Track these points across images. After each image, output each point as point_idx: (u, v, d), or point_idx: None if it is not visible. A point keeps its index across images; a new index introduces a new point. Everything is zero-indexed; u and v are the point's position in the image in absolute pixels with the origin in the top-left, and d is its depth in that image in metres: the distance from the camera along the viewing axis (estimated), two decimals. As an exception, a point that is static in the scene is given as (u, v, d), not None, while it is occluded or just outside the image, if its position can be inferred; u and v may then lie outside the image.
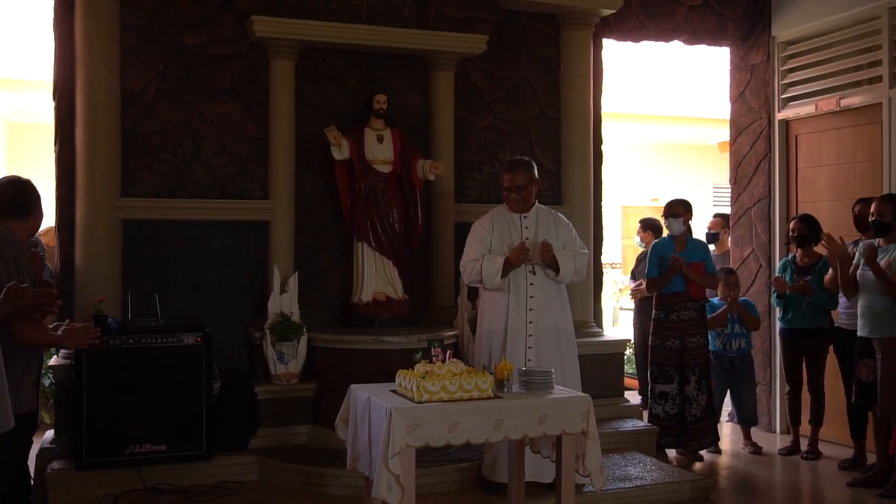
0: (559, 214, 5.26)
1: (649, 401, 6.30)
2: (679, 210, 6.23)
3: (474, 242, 5.05)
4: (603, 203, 7.07)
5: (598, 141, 6.94)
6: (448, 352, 4.13)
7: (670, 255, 6.14)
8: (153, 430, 5.12)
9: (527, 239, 4.97)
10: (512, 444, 4.35)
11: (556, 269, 4.93)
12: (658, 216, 7.80)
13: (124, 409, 5.07)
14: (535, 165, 5.15)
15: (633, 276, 8.07)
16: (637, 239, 8.07)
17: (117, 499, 4.90)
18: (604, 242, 7.08)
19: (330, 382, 5.51)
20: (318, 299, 6.12)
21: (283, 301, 5.71)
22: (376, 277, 5.89)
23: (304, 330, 5.64)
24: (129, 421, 5.07)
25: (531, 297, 4.99)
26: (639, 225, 8.13)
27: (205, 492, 5.03)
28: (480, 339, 5.11)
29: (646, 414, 6.46)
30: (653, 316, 6.30)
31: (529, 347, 4.94)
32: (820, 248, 6.36)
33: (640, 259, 7.77)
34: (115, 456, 5.04)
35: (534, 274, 4.98)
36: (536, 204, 5.16)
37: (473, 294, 5.86)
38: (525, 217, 5.09)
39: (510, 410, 3.88)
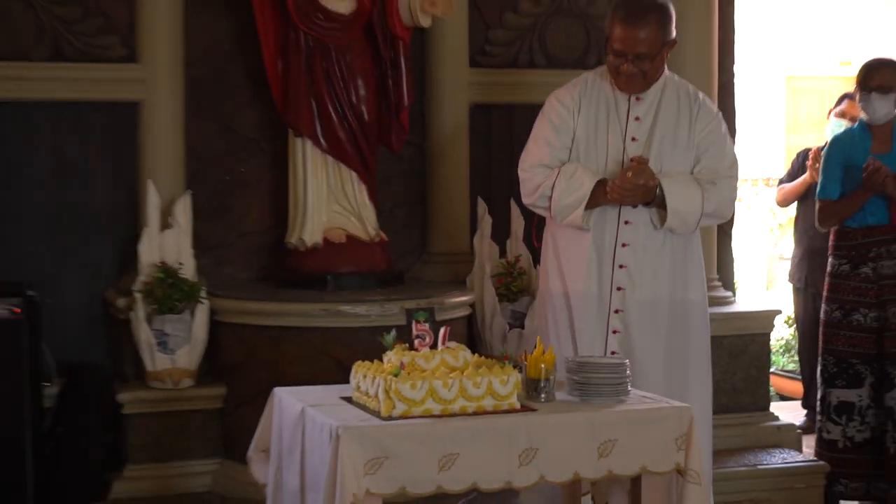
0: (700, 94, 3.84)
1: (819, 417, 4.83)
2: (889, 79, 4.53)
3: (547, 132, 3.81)
4: (742, 71, 5.56)
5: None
6: (444, 328, 2.98)
7: (864, 160, 4.51)
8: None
9: (632, 159, 3.67)
10: (558, 491, 3.55)
11: (663, 208, 3.74)
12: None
13: None
14: (672, 12, 3.66)
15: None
16: (836, 123, 5.76)
17: None
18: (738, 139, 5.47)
19: (248, 385, 4.36)
20: (229, 240, 4.78)
21: (166, 243, 4.49)
22: (329, 202, 4.56)
23: (204, 294, 4.40)
24: None
25: (623, 244, 3.73)
26: (846, 101, 5.79)
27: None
28: (535, 309, 4.22)
29: (812, 440, 5.09)
30: (828, 269, 4.69)
31: (615, 332, 3.78)
32: None
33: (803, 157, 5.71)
34: None
35: (633, 207, 3.76)
36: (665, 73, 3.79)
37: (502, 232, 4.55)
38: (639, 100, 3.75)
39: (548, 432, 3.08)
